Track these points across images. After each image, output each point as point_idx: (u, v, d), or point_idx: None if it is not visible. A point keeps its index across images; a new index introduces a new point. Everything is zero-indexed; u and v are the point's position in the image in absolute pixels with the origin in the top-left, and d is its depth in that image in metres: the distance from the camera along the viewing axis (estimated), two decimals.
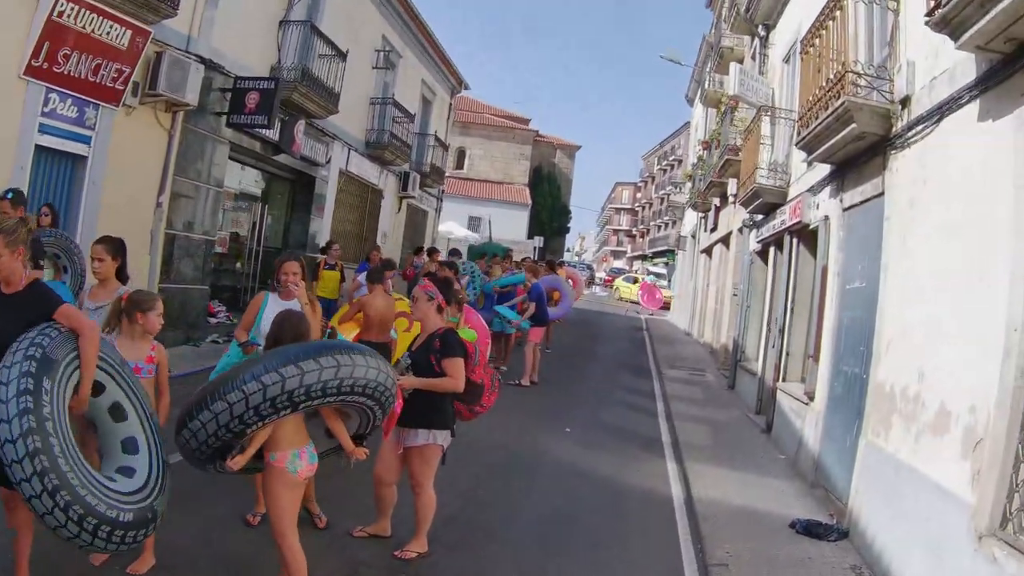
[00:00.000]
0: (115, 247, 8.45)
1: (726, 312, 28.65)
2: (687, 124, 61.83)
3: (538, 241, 67.14)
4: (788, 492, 13.15)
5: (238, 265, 25.56)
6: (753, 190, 19.32)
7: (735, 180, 25.72)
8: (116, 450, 6.53)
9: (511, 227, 69.70)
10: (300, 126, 23.46)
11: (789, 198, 17.93)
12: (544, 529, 10.42)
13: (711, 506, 11.97)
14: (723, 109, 28.50)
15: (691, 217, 45.06)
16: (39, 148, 14.93)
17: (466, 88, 43.96)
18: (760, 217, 21.28)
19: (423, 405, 8.58)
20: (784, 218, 17.60)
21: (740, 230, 25.61)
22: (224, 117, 20.07)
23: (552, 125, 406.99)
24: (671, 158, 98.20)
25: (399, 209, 36.65)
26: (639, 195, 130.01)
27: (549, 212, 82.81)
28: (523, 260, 28.48)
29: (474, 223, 66.91)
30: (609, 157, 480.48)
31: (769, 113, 19.70)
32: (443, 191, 45.55)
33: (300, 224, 27.04)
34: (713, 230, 33.97)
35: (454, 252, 26.05)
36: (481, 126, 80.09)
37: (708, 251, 36.27)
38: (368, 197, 32.52)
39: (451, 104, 43.35)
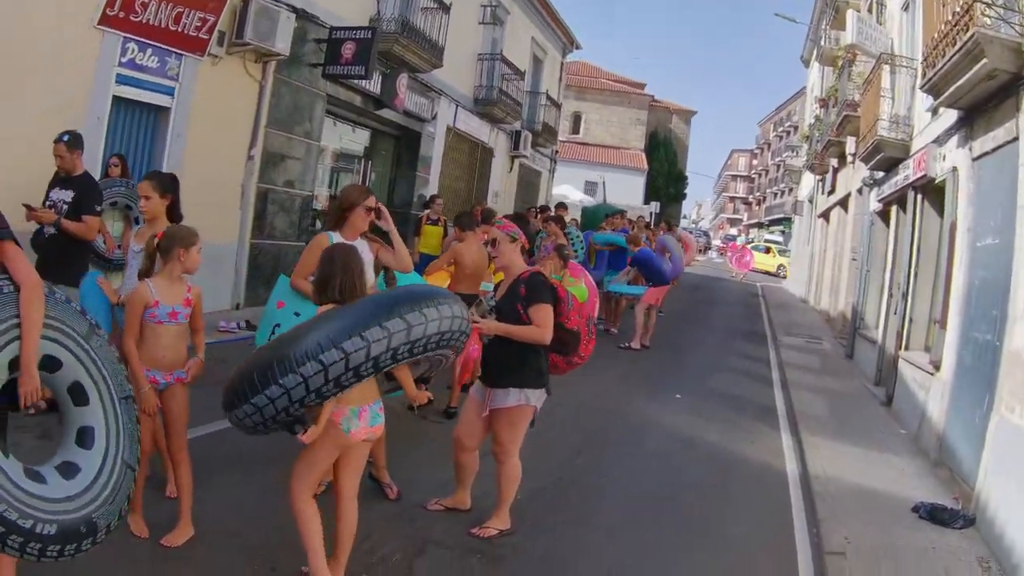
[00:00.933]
0: (164, 183, 7.70)
1: (844, 278, 27.04)
2: (803, 89, 60.07)
3: (654, 207, 65.34)
4: (909, 471, 11.76)
5: None
6: (874, 143, 17.81)
7: (853, 138, 24.12)
8: (70, 440, 5.15)
9: (627, 192, 67.55)
10: (403, 80, 22.54)
11: (912, 151, 16.43)
12: (643, 507, 9.28)
13: (828, 484, 10.67)
14: (840, 63, 26.85)
15: (808, 180, 43.18)
16: (117, 99, 14.25)
17: (578, 48, 42.27)
18: (880, 175, 19.62)
19: (514, 360, 7.51)
20: (907, 173, 16.18)
21: (859, 190, 24.00)
22: (320, 69, 19.18)
23: (667, 90, 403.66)
24: (787, 124, 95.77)
25: (511, 169, 35.60)
26: (755, 162, 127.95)
27: (665, 178, 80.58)
28: (637, 219, 27.08)
29: (590, 188, 65.38)
30: (725, 123, 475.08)
31: (889, 62, 18.15)
32: (556, 152, 44.23)
33: (406, 182, 26.10)
34: (831, 192, 32.19)
35: (560, 206, 24.60)
36: (596, 91, 78.27)
37: (825, 215, 34.59)
38: (478, 155, 31.58)
39: (563, 64, 41.86)
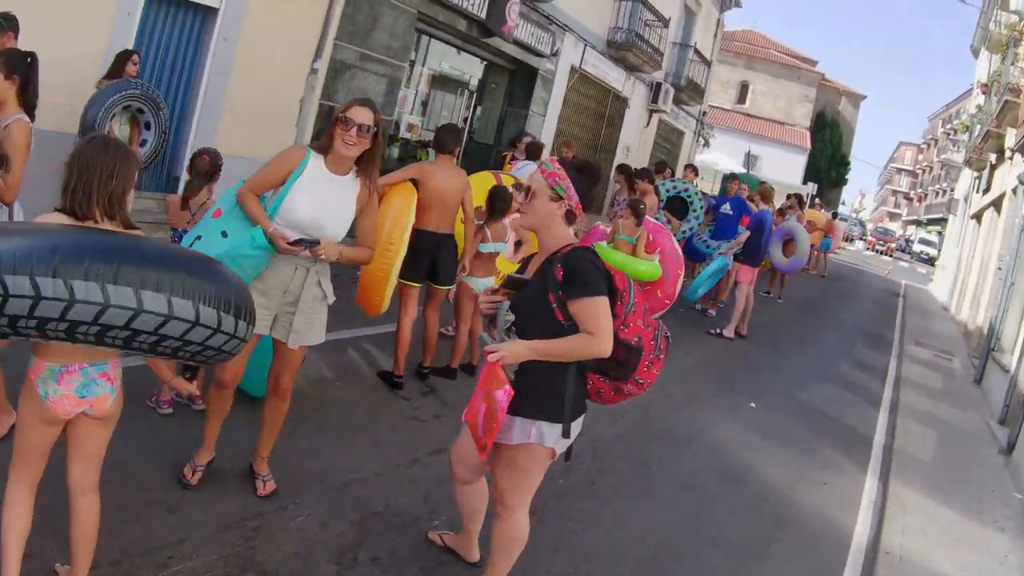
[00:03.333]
0: (12, 61, 6.01)
1: (987, 288, 22.54)
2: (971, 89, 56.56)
3: (812, 188, 61.79)
4: (1014, 561, 8.25)
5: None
6: None
7: (1013, 129, 20.71)
8: None
9: (787, 170, 65.71)
10: (514, 5, 19.65)
11: None
12: (632, 570, 6.26)
13: (900, 568, 7.41)
14: (1005, 43, 23.40)
15: (966, 177, 38.65)
16: None
17: (737, 6, 38.45)
18: None
19: (529, 377, 4.62)
20: None
21: (1014, 190, 20.19)
22: None
23: (836, 70, 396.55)
24: (955, 121, 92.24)
25: (648, 123, 32.42)
26: (920, 157, 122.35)
27: (828, 160, 77.10)
28: (761, 183, 23.52)
29: (752, 161, 62.93)
30: (895, 113, 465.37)
31: None
32: (705, 113, 40.54)
33: (516, 120, 23.09)
34: (986, 191, 27.92)
35: (689, 167, 20.88)
36: (766, 61, 75.64)
37: (978, 216, 30.16)
38: (608, 103, 28.54)
39: (719, 20, 38.19)
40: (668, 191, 17.74)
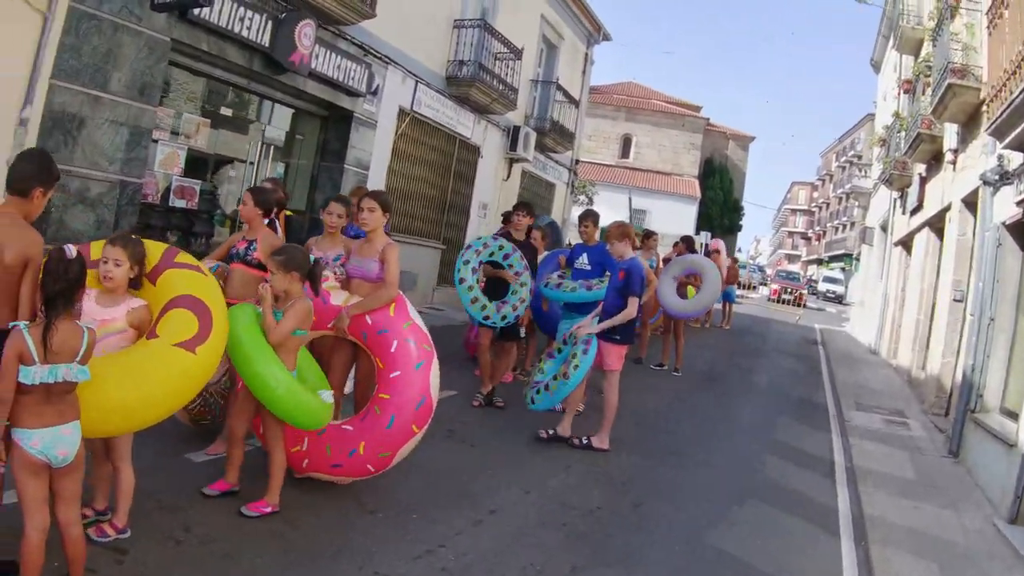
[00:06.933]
0: None
1: (941, 326, 18.09)
2: (866, 117, 54.19)
3: (705, 237, 58.79)
4: None
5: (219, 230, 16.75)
6: None
7: (955, 126, 17.47)
8: None
9: (678, 221, 63.16)
10: (306, 29, 15.55)
11: None
12: None
13: None
14: (936, 22, 19.29)
15: (881, 201, 35.53)
16: None
17: (607, 39, 34.57)
18: (1021, 159, 11.84)
19: None
20: None
21: (967, 200, 16.24)
22: None
23: (724, 115, 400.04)
24: (851, 153, 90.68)
25: (507, 175, 28.15)
26: (816, 195, 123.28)
27: (720, 207, 75.15)
28: (646, 235, 18.26)
29: (638, 216, 60.99)
30: (785, 154, 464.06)
31: None
32: (577, 162, 36.33)
33: (331, 177, 18.64)
34: (915, 211, 23.99)
35: (522, 207, 14.50)
36: (648, 112, 73.99)
37: (906, 242, 26.61)
38: (455, 152, 24.28)
39: (587, 54, 34.21)
40: (484, 255, 12.44)
